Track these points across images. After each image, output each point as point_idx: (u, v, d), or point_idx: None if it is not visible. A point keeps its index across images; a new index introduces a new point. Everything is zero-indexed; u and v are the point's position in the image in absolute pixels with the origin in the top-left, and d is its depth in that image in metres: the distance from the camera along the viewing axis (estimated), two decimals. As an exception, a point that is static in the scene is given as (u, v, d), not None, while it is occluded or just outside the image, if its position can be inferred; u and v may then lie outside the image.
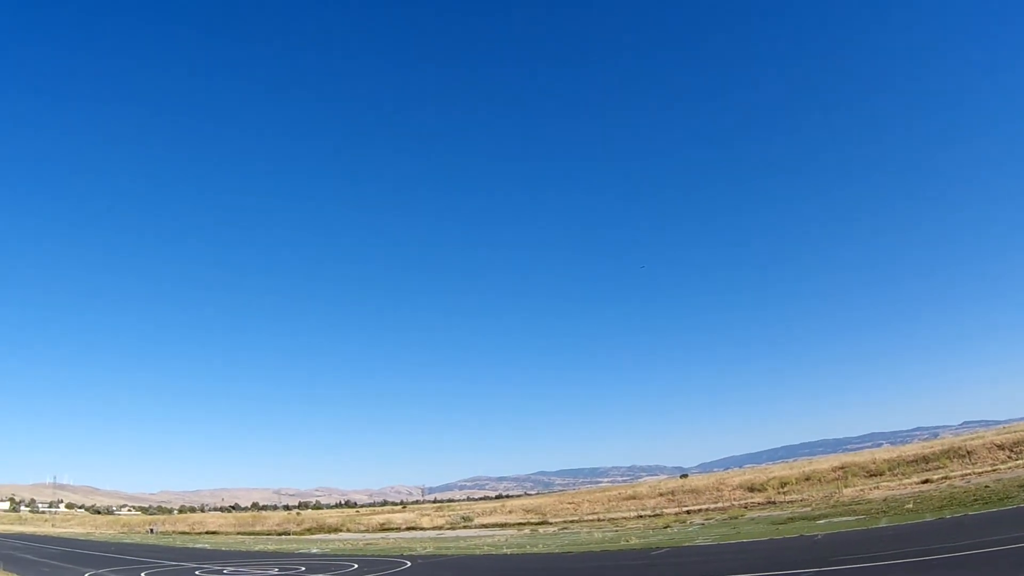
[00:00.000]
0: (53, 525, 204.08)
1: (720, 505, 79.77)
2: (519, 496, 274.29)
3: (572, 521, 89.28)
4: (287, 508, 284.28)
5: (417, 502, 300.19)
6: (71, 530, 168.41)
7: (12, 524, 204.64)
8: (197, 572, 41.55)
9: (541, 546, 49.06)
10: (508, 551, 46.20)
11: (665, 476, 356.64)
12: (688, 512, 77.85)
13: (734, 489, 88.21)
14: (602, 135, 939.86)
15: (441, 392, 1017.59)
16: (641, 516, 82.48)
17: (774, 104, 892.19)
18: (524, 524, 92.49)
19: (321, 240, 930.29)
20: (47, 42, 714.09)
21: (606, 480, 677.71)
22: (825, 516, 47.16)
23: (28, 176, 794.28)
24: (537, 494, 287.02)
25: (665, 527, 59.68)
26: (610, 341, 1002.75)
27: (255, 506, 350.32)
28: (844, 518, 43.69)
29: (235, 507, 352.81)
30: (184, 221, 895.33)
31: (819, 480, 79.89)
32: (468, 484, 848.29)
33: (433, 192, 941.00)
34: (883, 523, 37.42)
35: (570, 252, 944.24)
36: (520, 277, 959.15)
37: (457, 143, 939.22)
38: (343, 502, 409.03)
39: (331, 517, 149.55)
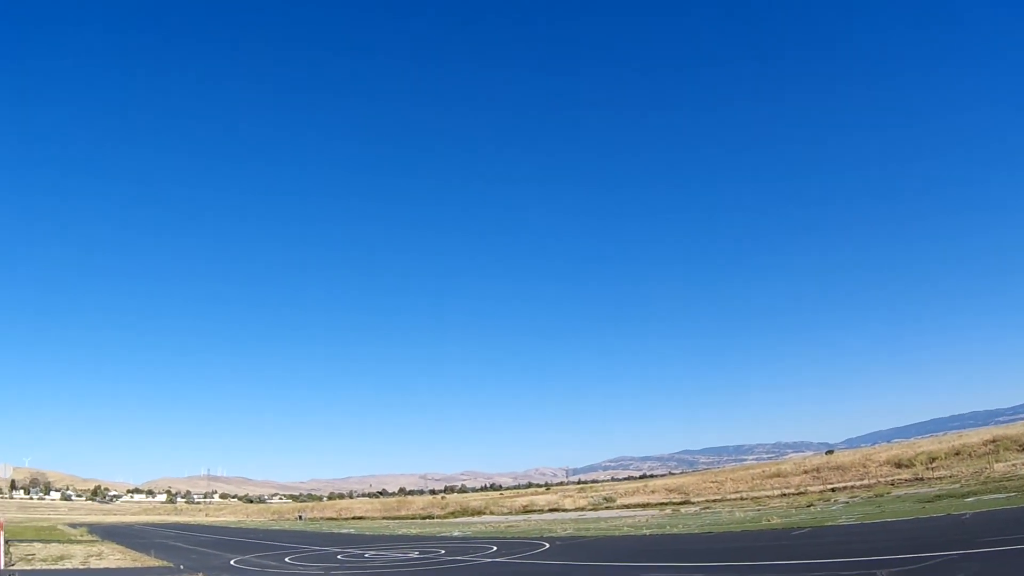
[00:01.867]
0: (206, 515, 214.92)
1: (866, 482, 76.83)
2: (663, 476, 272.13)
3: (715, 500, 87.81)
4: (432, 492, 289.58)
5: (561, 484, 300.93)
6: (223, 519, 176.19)
7: (168, 515, 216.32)
8: (339, 556, 42.62)
9: (681, 526, 48.39)
10: (647, 532, 45.74)
11: (811, 453, 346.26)
12: (833, 490, 75.37)
13: (880, 465, 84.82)
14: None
15: (584, 374, 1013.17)
16: (785, 494, 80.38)
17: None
18: (666, 504, 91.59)
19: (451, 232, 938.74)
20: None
21: (751, 457, 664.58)
22: (974, 493, 44.68)
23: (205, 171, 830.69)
24: (681, 473, 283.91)
25: (808, 506, 57.92)
26: (753, 316, 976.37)
27: (401, 491, 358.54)
28: (994, 495, 41.25)
29: (382, 493, 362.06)
30: (320, 220, 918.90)
31: (969, 455, 75.81)
32: (612, 465, 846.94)
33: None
34: (1036, 500, 35.23)
35: (727, 238, 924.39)
36: (667, 256, 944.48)
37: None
38: (488, 485, 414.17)
39: (475, 500, 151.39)
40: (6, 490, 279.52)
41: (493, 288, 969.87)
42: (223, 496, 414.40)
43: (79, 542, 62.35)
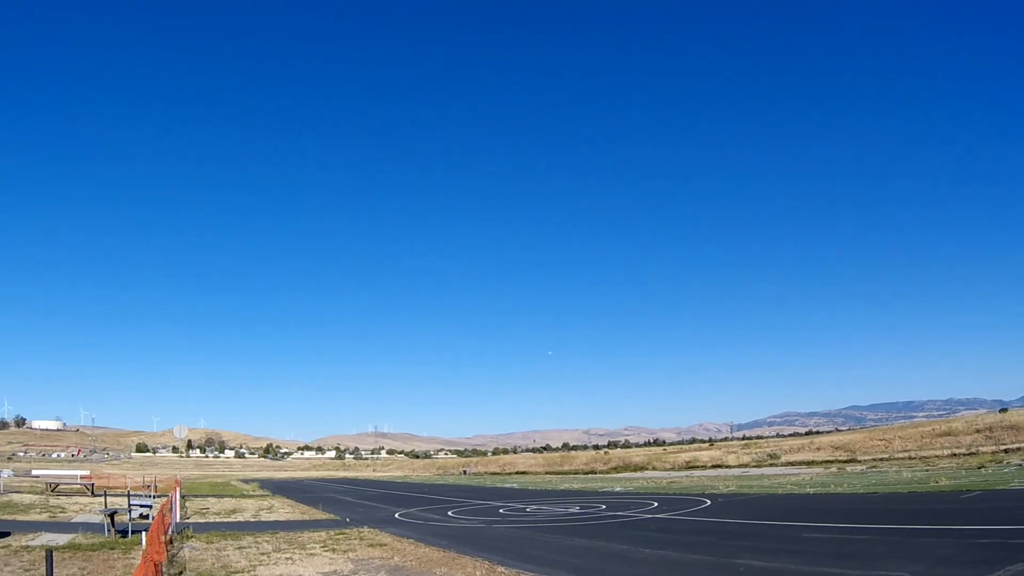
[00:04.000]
0: (373, 470, 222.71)
1: (1042, 443, 72.06)
2: (829, 432, 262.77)
3: (881, 459, 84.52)
4: (596, 448, 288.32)
5: (725, 439, 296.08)
6: (389, 474, 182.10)
7: (337, 471, 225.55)
8: (501, 510, 43.05)
9: (846, 485, 46.85)
10: (810, 490, 44.58)
11: (984, 410, 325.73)
12: (1006, 451, 71.04)
13: (1059, 426, 79.17)
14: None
15: (750, 326, 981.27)
16: (955, 454, 76.44)
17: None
18: (831, 462, 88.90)
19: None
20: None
21: (920, 415, 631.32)
22: None
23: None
24: (848, 430, 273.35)
25: (979, 467, 54.91)
26: (929, 264, 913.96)
27: (565, 446, 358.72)
28: None
29: (545, 448, 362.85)
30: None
31: None
32: (777, 420, 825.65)
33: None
34: None
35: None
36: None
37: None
38: (651, 440, 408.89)
39: (637, 456, 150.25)
40: (183, 450, 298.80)
41: (659, 241, 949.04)
42: (390, 452, 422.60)
43: (251, 496, 65.96)
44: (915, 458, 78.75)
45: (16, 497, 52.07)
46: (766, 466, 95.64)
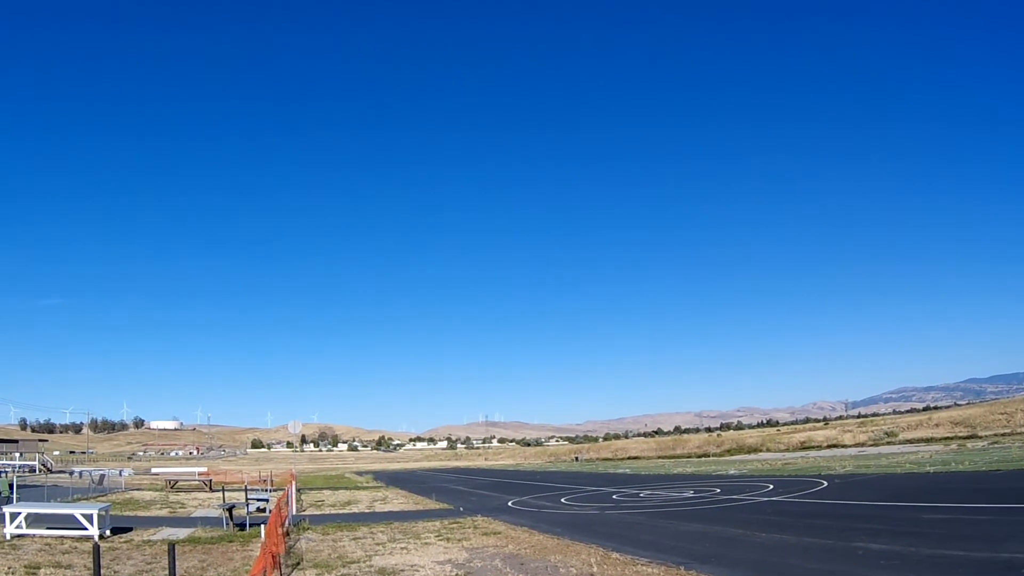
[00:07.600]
0: (485, 459, 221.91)
1: None
2: (947, 407, 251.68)
3: (1004, 434, 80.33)
4: (708, 430, 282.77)
5: (840, 418, 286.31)
6: (501, 462, 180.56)
7: (449, 460, 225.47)
8: (615, 496, 42.34)
9: (967, 463, 44.60)
10: (931, 469, 42.55)
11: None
12: None
13: None
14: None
15: (863, 301, 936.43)
16: (1085, 427, 72.14)
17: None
18: (951, 438, 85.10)
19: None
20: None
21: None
22: None
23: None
24: (967, 404, 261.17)
25: (1111, 440, 51.69)
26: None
27: (677, 430, 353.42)
28: None
29: (657, 432, 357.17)
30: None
31: None
32: (893, 396, 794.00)
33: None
34: None
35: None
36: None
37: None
38: (764, 421, 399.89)
39: (751, 437, 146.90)
40: (297, 445, 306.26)
41: (764, 217, 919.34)
42: (501, 440, 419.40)
43: (365, 488, 65.52)
44: (1040, 432, 74.71)
45: (137, 494, 53.73)
46: (883, 445, 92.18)
